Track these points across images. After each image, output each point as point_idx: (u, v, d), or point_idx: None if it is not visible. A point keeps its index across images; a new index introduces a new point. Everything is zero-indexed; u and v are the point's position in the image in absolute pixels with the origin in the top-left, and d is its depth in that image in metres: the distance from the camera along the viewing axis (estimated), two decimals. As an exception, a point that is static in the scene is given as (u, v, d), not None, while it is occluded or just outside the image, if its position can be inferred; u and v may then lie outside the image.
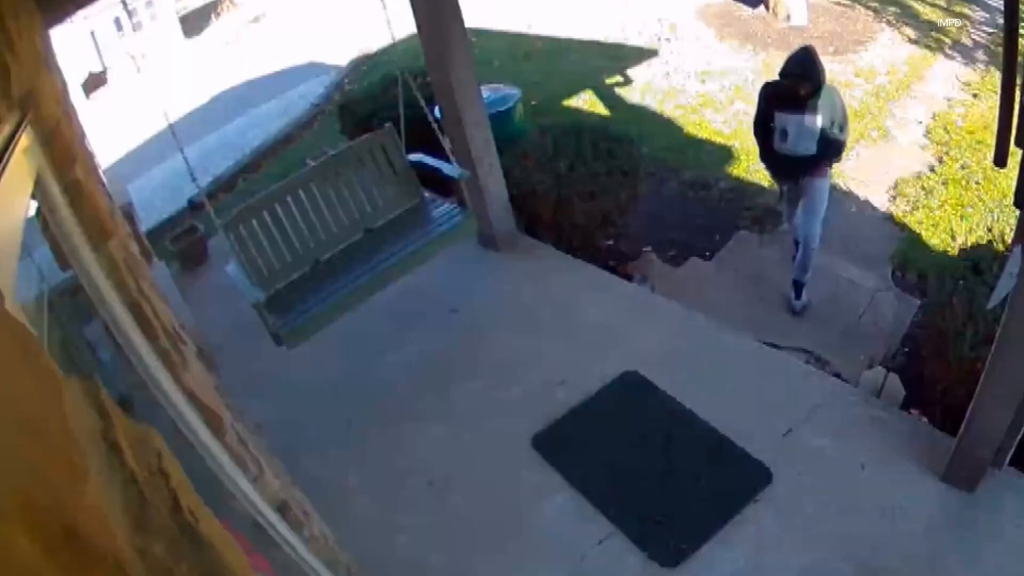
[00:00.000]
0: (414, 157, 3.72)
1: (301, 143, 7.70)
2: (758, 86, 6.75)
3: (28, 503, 0.52)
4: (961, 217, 4.56)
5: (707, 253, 4.63)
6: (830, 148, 3.72)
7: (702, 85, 6.65)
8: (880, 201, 4.88)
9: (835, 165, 4.02)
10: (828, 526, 2.62)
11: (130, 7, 19.25)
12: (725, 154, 5.59)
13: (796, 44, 6.83)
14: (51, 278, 2.47)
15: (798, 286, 4.09)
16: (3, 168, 1.02)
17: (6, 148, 1.08)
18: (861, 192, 4.98)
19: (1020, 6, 1.72)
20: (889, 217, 4.73)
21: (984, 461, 2.54)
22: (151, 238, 5.24)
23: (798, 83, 3.57)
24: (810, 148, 3.70)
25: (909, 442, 2.84)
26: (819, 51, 3.71)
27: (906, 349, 3.66)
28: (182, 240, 5.20)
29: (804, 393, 3.16)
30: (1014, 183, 2.02)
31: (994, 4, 7.29)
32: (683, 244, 4.72)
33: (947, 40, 6.93)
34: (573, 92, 6.93)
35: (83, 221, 1.57)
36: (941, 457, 2.67)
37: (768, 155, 3.97)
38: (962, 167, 5.06)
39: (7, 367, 0.63)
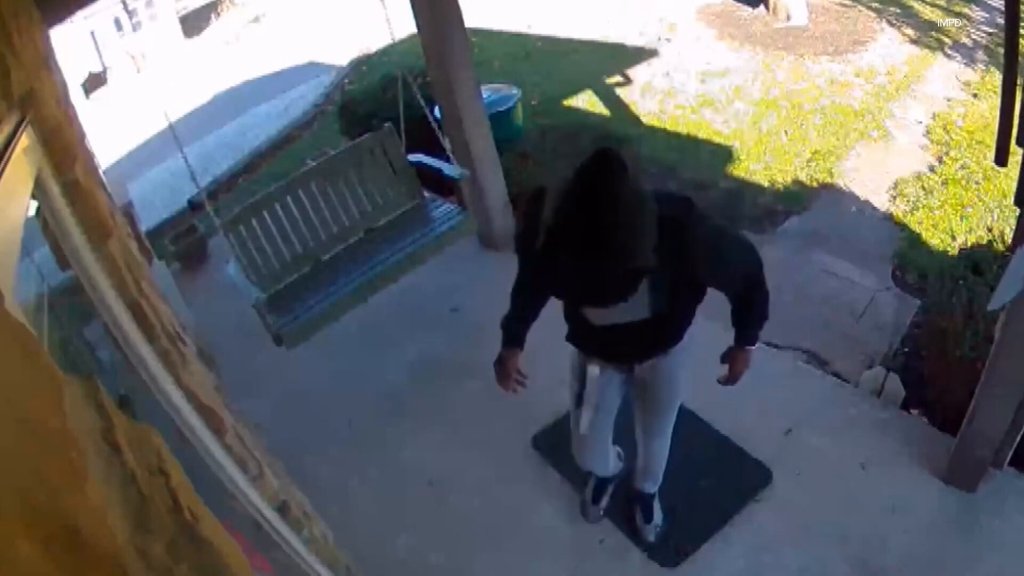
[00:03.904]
0: (414, 157, 3.72)
1: (301, 143, 7.68)
2: (758, 86, 6.70)
3: (28, 503, 0.52)
4: (961, 217, 4.56)
5: (707, 253, 4.62)
6: (755, 296, 1.96)
7: (702, 85, 6.64)
8: (880, 201, 4.88)
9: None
10: (828, 526, 2.61)
11: (130, 7, 19.30)
12: (725, 154, 5.58)
13: (796, 44, 6.87)
14: (51, 278, 2.46)
15: (645, 499, 2.65)
16: (3, 168, 1.02)
17: (6, 148, 1.09)
18: (861, 192, 4.98)
19: (1020, 6, 1.73)
20: (889, 217, 4.72)
21: (984, 461, 2.54)
22: (151, 238, 5.23)
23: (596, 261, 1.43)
24: (644, 310, 1.82)
25: (909, 442, 2.84)
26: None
27: (906, 349, 3.65)
28: (182, 240, 5.19)
29: (804, 393, 3.16)
30: (1015, 182, 2.02)
31: (994, 4, 7.28)
32: (683, 244, 4.71)
33: (947, 40, 6.93)
34: (573, 92, 6.92)
35: (83, 221, 1.57)
36: (941, 457, 2.67)
37: (571, 319, 2.17)
38: (962, 167, 5.05)
39: (7, 367, 0.63)
